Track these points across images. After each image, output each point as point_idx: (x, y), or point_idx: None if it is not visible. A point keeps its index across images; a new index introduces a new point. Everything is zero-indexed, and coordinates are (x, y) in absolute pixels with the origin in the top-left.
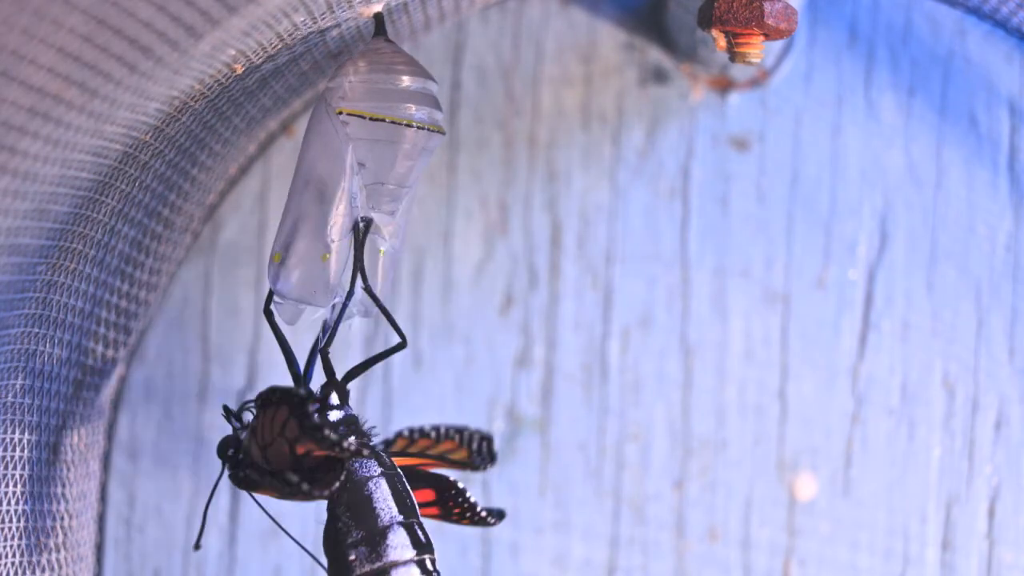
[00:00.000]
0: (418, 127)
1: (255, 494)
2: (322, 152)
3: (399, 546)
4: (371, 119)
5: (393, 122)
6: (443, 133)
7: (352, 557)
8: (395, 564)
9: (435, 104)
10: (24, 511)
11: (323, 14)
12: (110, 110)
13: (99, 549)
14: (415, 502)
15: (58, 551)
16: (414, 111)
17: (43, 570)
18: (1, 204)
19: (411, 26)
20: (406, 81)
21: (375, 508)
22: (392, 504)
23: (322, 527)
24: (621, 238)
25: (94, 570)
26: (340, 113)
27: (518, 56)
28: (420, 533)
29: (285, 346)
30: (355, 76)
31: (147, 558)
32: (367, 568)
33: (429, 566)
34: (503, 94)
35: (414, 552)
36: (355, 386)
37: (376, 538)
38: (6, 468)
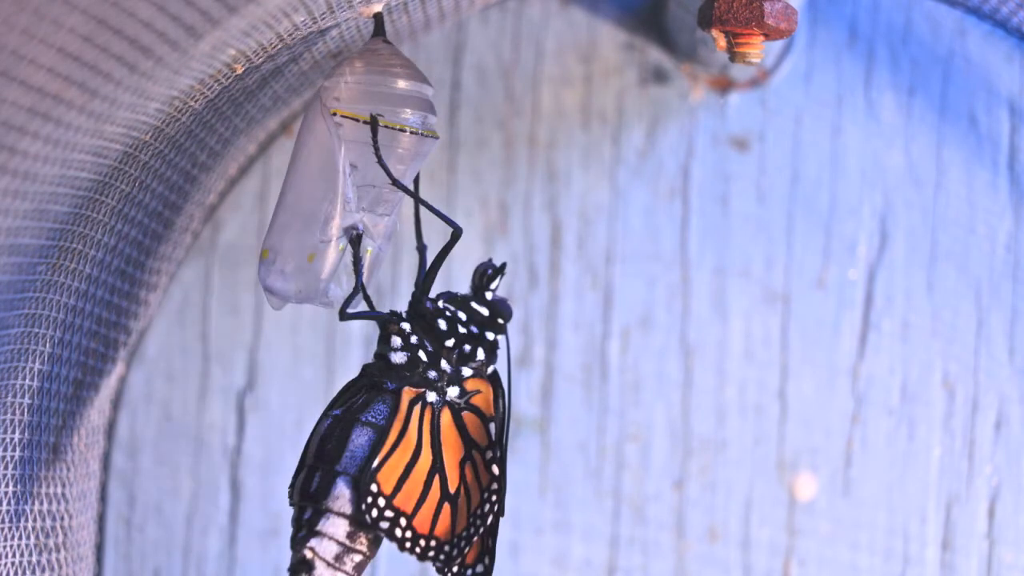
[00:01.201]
0: (411, 132)
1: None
2: (315, 151)
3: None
4: (365, 123)
5: (387, 127)
6: (436, 138)
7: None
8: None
9: (430, 108)
10: (24, 511)
11: (323, 14)
12: (110, 110)
13: (99, 549)
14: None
15: (58, 551)
16: (409, 116)
17: (43, 570)
18: (1, 204)
19: (411, 26)
20: (402, 84)
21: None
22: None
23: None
24: (621, 238)
25: (94, 570)
26: (335, 114)
27: (518, 56)
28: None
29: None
30: (351, 77)
31: (147, 558)
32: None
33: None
34: (503, 94)
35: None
36: None
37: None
38: (5, 468)
